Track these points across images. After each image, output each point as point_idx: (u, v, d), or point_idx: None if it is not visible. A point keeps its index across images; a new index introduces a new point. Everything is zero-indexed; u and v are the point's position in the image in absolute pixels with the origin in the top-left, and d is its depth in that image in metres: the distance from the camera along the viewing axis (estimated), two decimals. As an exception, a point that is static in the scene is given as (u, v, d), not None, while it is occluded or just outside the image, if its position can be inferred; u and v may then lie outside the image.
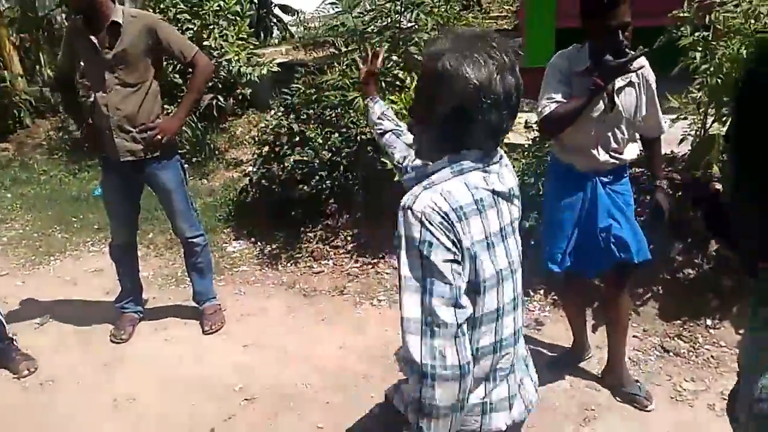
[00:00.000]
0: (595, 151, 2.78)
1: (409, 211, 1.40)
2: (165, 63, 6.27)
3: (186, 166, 3.81)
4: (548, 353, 3.50)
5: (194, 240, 3.77)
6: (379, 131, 2.19)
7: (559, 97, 2.67)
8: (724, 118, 3.69)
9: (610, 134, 2.77)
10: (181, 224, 3.72)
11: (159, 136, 3.44)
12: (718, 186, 1.51)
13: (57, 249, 5.09)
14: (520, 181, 4.09)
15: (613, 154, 2.80)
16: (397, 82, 5.04)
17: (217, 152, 6.40)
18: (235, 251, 4.85)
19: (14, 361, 3.50)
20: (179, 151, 3.78)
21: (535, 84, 5.35)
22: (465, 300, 1.39)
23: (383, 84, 5.19)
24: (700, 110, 3.78)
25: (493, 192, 1.49)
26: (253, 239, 4.94)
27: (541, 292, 3.99)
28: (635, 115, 2.78)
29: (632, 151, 2.88)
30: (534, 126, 4.34)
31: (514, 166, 4.21)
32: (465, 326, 1.38)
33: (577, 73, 2.71)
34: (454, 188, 1.43)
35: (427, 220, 1.37)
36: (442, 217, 1.38)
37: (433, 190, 1.42)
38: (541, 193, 3.99)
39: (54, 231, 5.41)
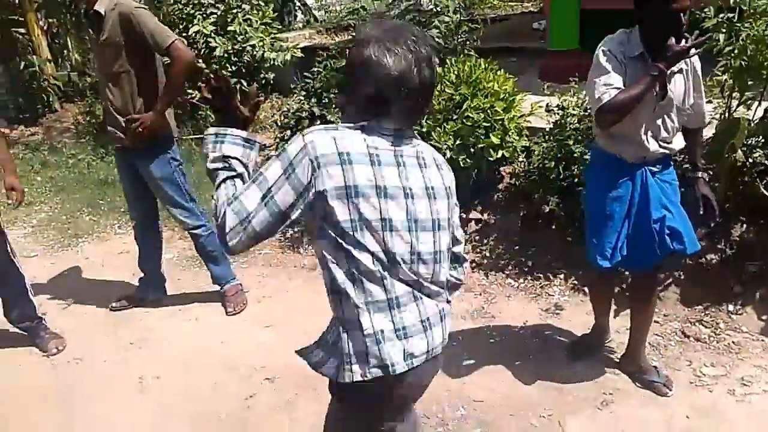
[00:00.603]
0: (644, 140, 2.70)
1: (300, 135, 1.61)
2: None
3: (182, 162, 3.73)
4: (568, 337, 3.51)
5: (195, 231, 3.78)
6: None
7: (618, 83, 2.58)
8: (748, 101, 3.65)
9: (660, 122, 2.71)
10: (176, 215, 3.74)
11: (140, 129, 3.41)
12: None
13: (85, 231, 5.19)
14: (540, 165, 4.13)
15: (662, 143, 2.74)
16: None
17: (241, 136, 6.45)
18: (258, 234, 4.90)
19: (43, 340, 3.59)
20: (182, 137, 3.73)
21: (558, 67, 5.32)
22: (262, 217, 1.58)
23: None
24: (725, 93, 3.73)
25: (397, 155, 1.65)
26: (276, 222, 4.98)
27: (561, 276, 3.99)
28: (684, 102, 2.73)
29: (680, 140, 2.83)
30: (555, 110, 4.30)
31: (534, 151, 4.26)
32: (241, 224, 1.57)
33: (632, 58, 2.63)
34: (348, 135, 1.62)
35: (307, 148, 1.57)
36: (317, 156, 1.56)
37: (330, 132, 1.62)
38: (562, 177, 3.98)
39: (82, 213, 5.52)
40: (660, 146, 2.74)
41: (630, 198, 2.79)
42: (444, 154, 4.13)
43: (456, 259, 1.96)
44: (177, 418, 3.06)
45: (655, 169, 2.79)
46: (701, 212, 2.91)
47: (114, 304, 4.00)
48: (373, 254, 1.61)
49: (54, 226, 5.33)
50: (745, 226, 3.74)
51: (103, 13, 3.32)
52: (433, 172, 1.73)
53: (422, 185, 1.69)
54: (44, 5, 8.24)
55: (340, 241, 1.60)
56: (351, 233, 1.59)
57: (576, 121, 4.15)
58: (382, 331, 1.64)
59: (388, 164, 1.63)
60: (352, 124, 1.64)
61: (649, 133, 2.71)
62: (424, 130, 4.26)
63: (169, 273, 4.15)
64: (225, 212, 1.58)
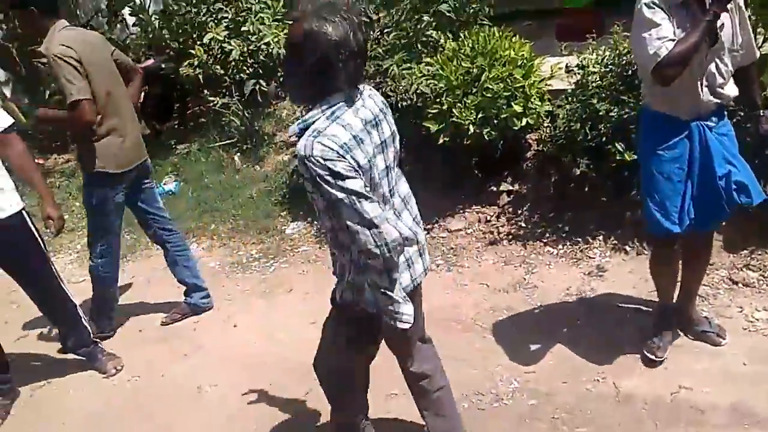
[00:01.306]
0: (700, 92, 2.61)
1: (311, 159, 1.85)
2: (207, 55, 6.39)
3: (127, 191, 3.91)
4: (613, 299, 3.49)
5: (90, 264, 3.93)
6: None
7: (671, 34, 2.48)
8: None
9: (713, 68, 2.61)
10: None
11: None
12: None
13: (128, 251, 5.27)
14: (566, 128, 4.07)
15: (718, 90, 2.64)
16: (431, 43, 5.00)
17: (266, 137, 6.50)
18: (293, 232, 4.95)
19: (102, 362, 3.69)
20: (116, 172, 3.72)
21: (574, 25, 5.22)
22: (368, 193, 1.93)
23: (418, 46, 5.13)
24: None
25: (365, 122, 1.95)
26: (309, 219, 5.02)
27: (600, 238, 3.95)
28: (733, 42, 2.64)
29: (732, 87, 2.72)
30: (575, 69, 4.23)
31: (558, 114, 4.21)
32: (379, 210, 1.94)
33: (676, 6, 2.53)
34: (336, 131, 1.87)
35: (327, 159, 1.84)
36: (336, 153, 1.85)
37: (323, 136, 1.86)
38: (589, 137, 3.92)
39: (123, 233, 5.57)
40: (714, 95, 2.64)
41: (690, 157, 2.70)
42: (467, 129, 4.11)
43: None
44: (240, 421, 3.14)
45: (711, 124, 2.70)
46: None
47: (164, 319, 4.10)
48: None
49: (98, 249, 5.44)
50: (781, 163, 3.64)
51: (43, 50, 3.55)
52: (385, 126, 2.06)
53: (378, 141, 2.02)
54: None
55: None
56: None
57: (598, 79, 4.08)
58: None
59: (365, 137, 1.94)
60: (331, 115, 1.90)
61: (704, 82, 2.61)
62: (445, 107, 4.24)
63: (213, 281, 4.23)
64: (376, 237, 1.92)
